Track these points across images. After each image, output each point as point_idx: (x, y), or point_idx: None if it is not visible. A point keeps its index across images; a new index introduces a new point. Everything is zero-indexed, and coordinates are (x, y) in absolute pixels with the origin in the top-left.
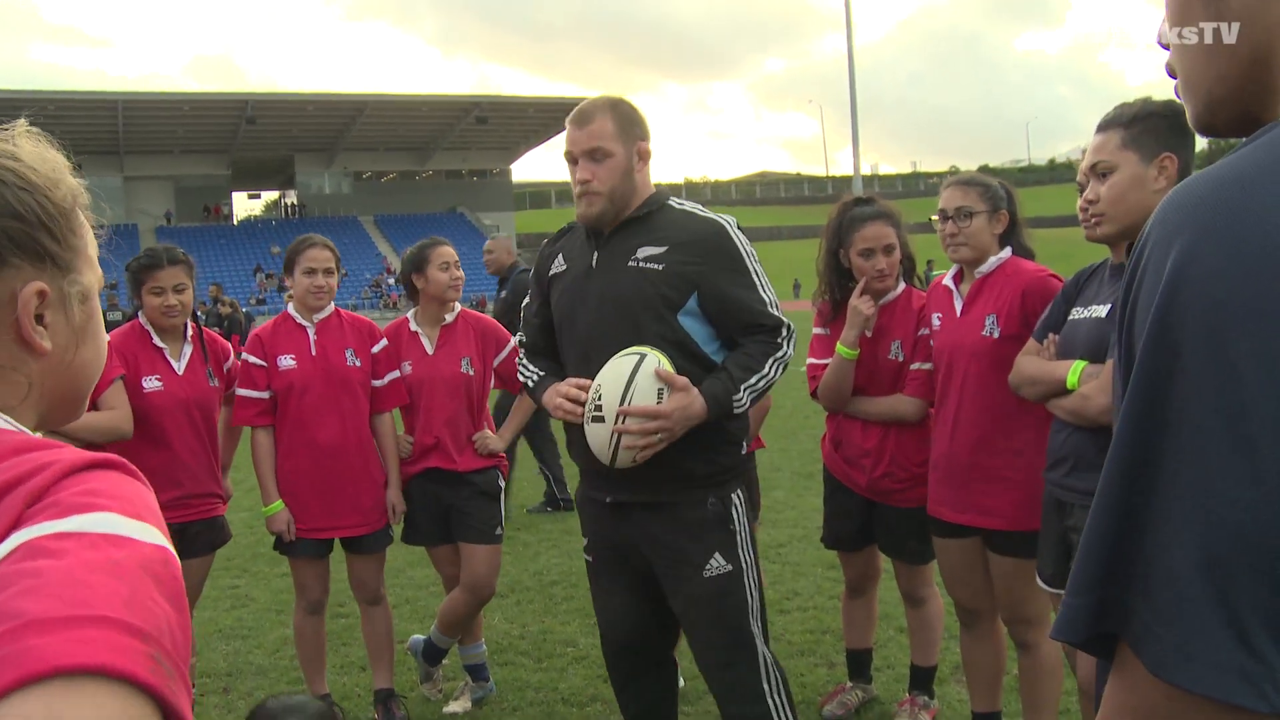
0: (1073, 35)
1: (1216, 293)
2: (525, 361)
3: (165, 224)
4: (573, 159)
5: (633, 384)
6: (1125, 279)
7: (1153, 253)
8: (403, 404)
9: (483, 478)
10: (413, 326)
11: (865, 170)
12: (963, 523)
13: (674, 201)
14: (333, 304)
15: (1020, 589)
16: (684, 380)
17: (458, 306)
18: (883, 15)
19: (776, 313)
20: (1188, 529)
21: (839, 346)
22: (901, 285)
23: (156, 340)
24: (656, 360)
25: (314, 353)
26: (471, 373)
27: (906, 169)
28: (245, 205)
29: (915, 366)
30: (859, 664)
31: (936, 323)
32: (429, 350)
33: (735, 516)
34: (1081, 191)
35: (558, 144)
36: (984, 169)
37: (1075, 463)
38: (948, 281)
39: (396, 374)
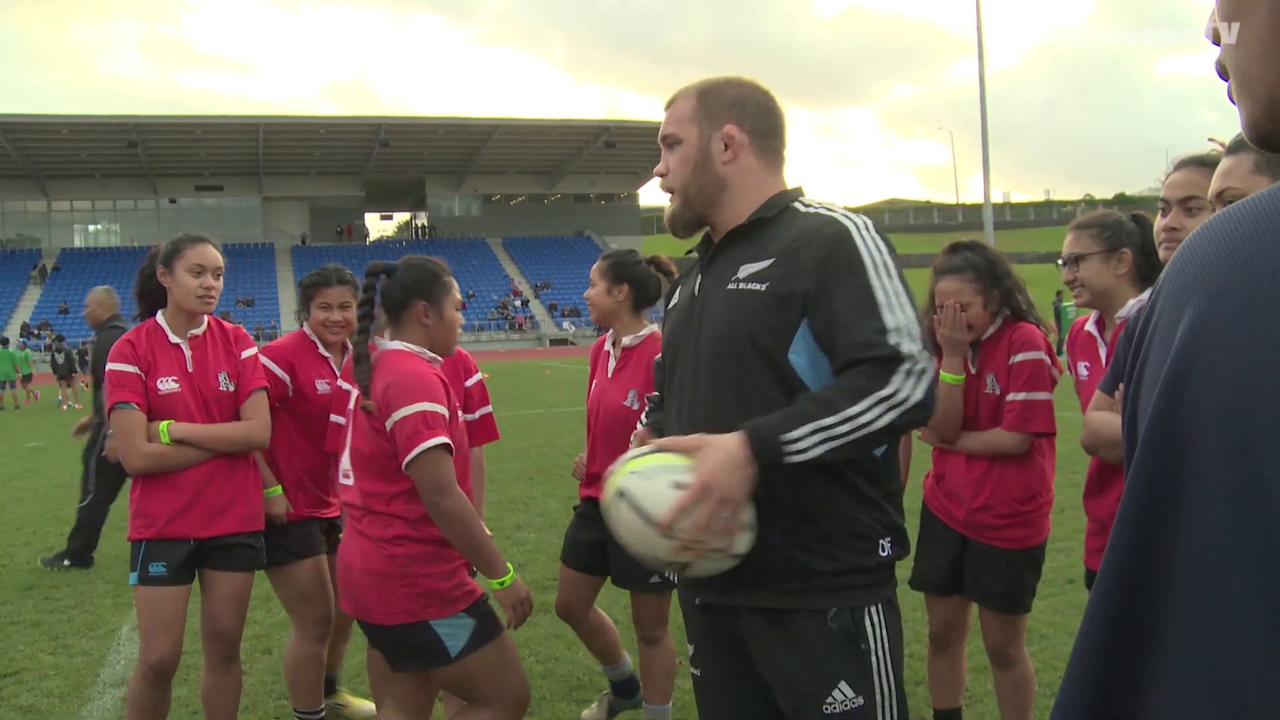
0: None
1: (1237, 369)
2: (644, 415)
3: (300, 244)
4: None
5: (648, 514)
6: (1134, 343)
7: (1163, 313)
8: (494, 438)
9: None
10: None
11: (996, 198)
12: None
13: (801, 202)
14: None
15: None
16: (692, 437)
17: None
18: (1015, 39)
19: (898, 340)
20: (1201, 710)
21: (943, 374)
22: (1000, 319)
23: (322, 350)
24: (638, 477)
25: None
26: None
27: (1039, 197)
28: (378, 226)
29: (1011, 398)
30: None
31: (1084, 372)
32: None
33: (871, 634)
34: (1164, 215)
35: None
36: (1120, 197)
37: None
38: (1090, 327)
39: (488, 409)
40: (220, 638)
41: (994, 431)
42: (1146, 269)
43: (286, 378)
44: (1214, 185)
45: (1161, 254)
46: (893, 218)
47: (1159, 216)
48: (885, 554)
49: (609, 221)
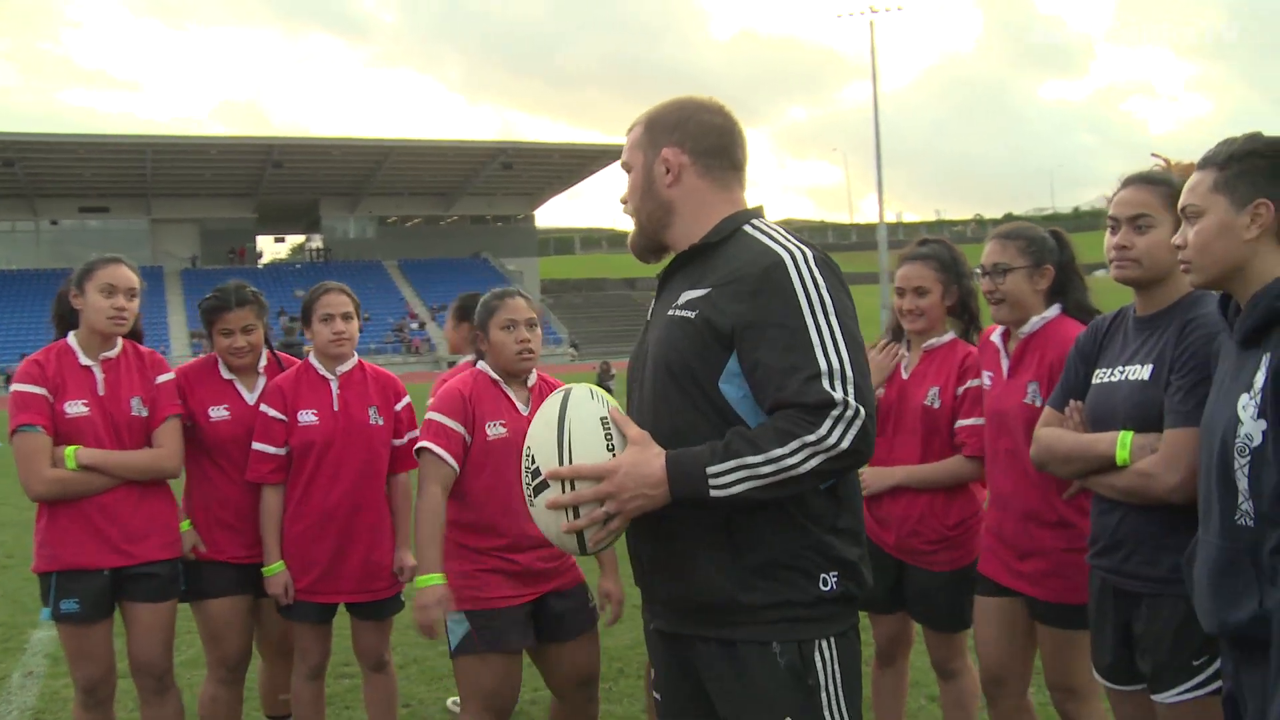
0: (1095, 84)
1: None
2: None
3: (191, 266)
4: None
5: (565, 431)
6: None
7: None
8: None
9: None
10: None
11: (890, 218)
12: (1013, 587)
13: (751, 226)
14: (356, 356)
15: (1068, 660)
16: (641, 431)
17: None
18: (907, 63)
19: (830, 386)
20: None
21: None
22: (949, 335)
23: (224, 374)
24: (589, 393)
25: (336, 408)
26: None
27: (931, 217)
28: (271, 248)
29: (968, 423)
30: None
31: (987, 381)
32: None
33: (821, 669)
34: (1113, 234)
35: (581, 190)
36: (1009, 217)
37: (1136, 546)
38: (995, 338)
39: (417, 433)
40: (146, 670)
41: (955, 460)
42: (1063, 284)
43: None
44: (1182, 199)
45: (1112, 272)
46: None
47: (1108, 234)
48: (828, 589)
49: (506, 243)
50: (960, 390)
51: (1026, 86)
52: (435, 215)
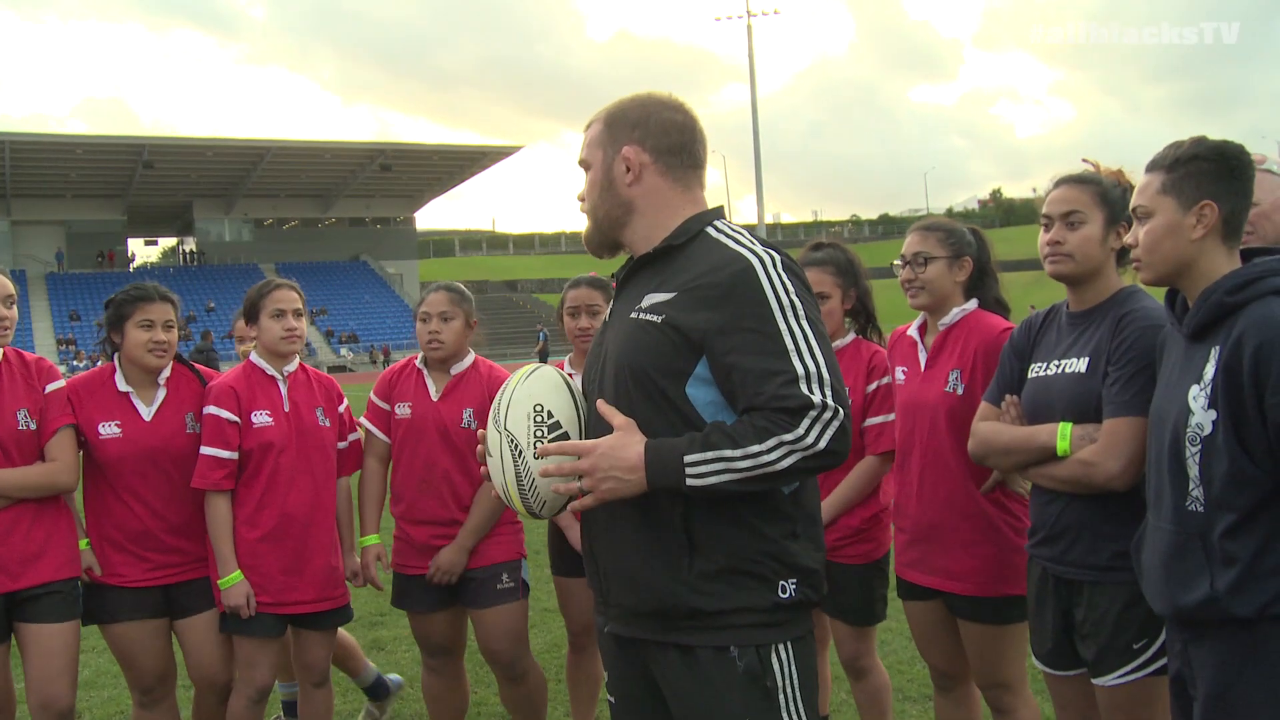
0: (963, 88)
1: None
2: None
3: (56, 270)
4: None
5: (576, 396)
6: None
7: None
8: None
9: None
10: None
11: (769, 219)
12: (929, 585)
13: (714, 228)
14: (298, 358)
15: (992, 655)
16: (627, 420)
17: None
18: (781, 67)
19: (808, 389)
20: None
21: None
22: (851, 335)
23: (122, 385)
24: (553, 371)
25: (287, 409)
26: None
27: (808, 218)
28: (142, 252)
29: (875, 421)
30: None
31: (901, 376)
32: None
33: (779, 672)
34: (1047, 231)
35: (462, 192)
36: (884, 218)
37: (1078, 536)
38: (912, 332)
39: (358, 435)
40: (49, 706)
41: (865, 464)
42: (978, 280)
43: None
44: (1132, 200)
45: (1047, 268)
46: None
47: (1041, 232)
48: (787, 595)
49: (386, 246)
50: (870, 389)
51: (898, 89)
52: (313, 217)
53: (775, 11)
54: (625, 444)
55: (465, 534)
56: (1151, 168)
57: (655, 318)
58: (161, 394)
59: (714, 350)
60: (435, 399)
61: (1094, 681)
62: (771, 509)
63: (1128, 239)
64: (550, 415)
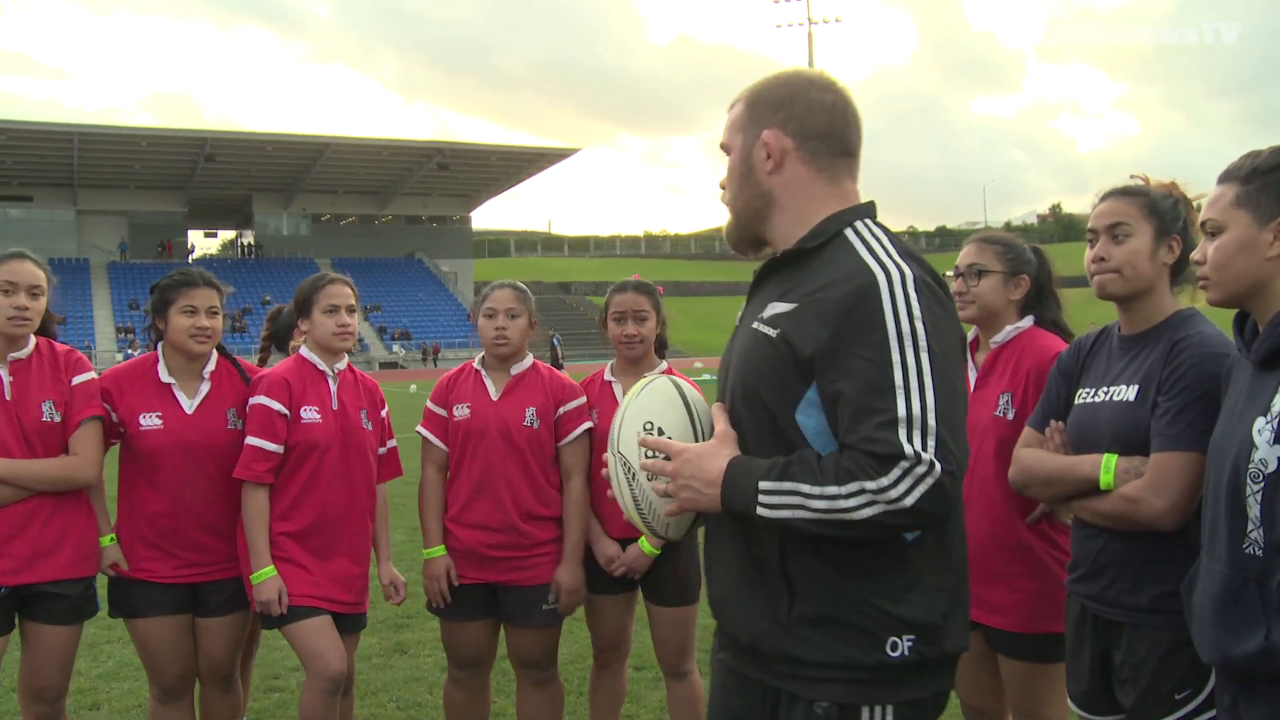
0: (1026, 100)
1: None
2: None
3: (119, 259)
4: None
5: (692, 408)
6: None
7: None
8: (399, 474)
9: None
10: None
11: None
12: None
13: (854, 230)
14: (347, 357)
15: (1033, 694)
16: (728, 429)
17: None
18: (841, 76)
19: (906, 437)
20: None
21: None
22: None
23: (165, 375)
24: (670, 383)
25: (335, 407)
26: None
27: None
28: (202, 243)
29: None
30: None
31: None
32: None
33: None
34: (1092, 246)
35: (518, 193)
36: (940, 230)
37: (1119, 574)
38: None
39: (394, 444)
40: (39, 696)
41: None
42: (1035, 301)
43: (106, 408)
44: (1202, 214)
45: (1094, 287)
46: (724, 245)
47: (1088, 248)
48: (897, 654)
49: (441, 244)
50: None
51: (959, 100)
52: (370, 214)
53: (837, 19)
54: (712, 455)
55: (571, 548)
56: (1224, 179)
57: (771, 331)
58: (205, 387)
59: (824, 374)
60: (495, 399)
61: None
62: (883, 552)
63: (1195, 255)
64: (661, 433)
